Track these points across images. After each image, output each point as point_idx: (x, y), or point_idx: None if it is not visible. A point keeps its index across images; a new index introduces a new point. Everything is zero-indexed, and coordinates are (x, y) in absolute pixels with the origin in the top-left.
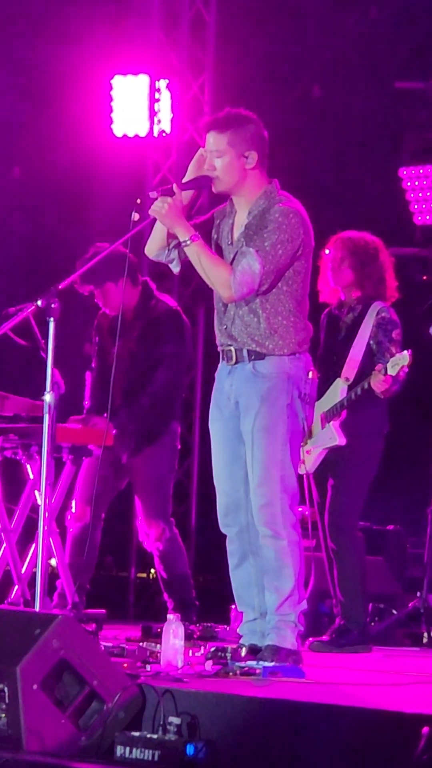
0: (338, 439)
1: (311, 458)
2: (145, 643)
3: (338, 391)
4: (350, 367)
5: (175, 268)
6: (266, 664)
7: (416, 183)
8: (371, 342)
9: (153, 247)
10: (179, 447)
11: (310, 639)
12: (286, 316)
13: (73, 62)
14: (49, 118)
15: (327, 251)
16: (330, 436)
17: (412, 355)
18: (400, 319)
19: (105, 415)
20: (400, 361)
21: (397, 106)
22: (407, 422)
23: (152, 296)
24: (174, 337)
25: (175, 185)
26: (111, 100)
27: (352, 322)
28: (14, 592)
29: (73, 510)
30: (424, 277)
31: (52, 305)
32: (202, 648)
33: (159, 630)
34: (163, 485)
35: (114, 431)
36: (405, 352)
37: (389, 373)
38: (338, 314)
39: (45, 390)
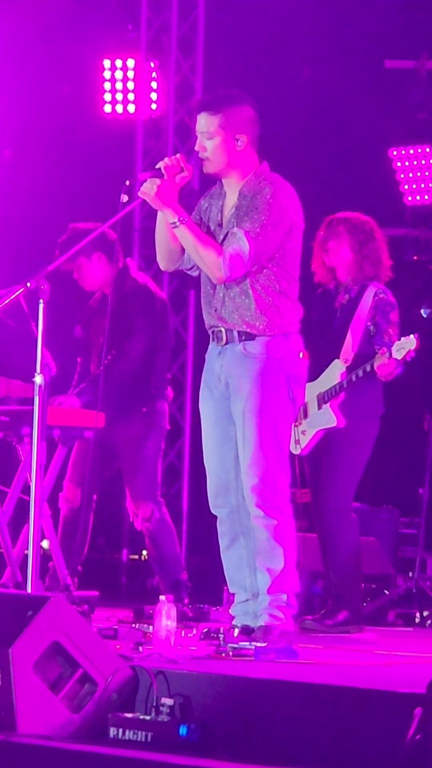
0: (336, 421)
1: (306, 438)
2: (137, 625)
3: (336, 372)
4: (348, 349)
5: (195, 272)
6: (259, 644)
7: (406, 163)
8: (369, 324)
9: (162, 260)
10: (168, 427)
11: (302, 617)
12: (276, 296)
13: (63, 43)
14: (40, 99)
15: (322, 232)
16: (327, 418)
17: (418, 338)
18: None
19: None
20: (406, 345)
21: (387, 86)
22: (400, 403)
23: (128, 276)
24: (140, 313)
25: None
26: (101, 81)
27: (347, 303)
28: (6, 574)
29: (64, 492)
30: (415, 258)
31: (42, 287)
32: (195, 629)
33: (151, 611)
34: (150, 465)
35: (78, 406)
36: (411, 336)
37: (394, 356)
38: (332, 294)
39: (35, 372)
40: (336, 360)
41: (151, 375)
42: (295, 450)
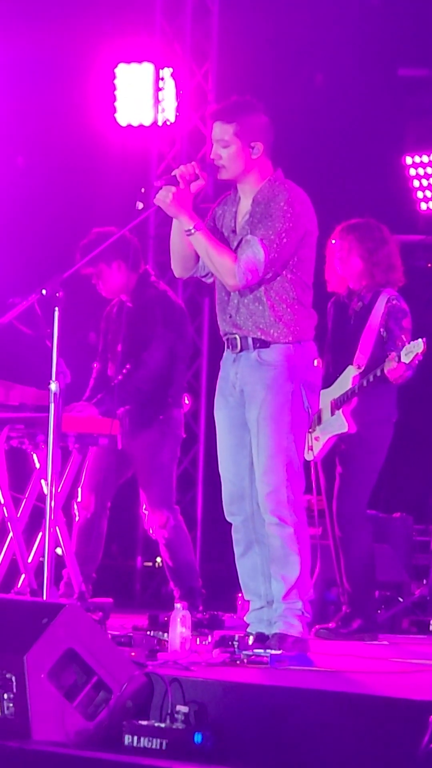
0: (348, 427)
1: (319, 444)
2: (152, 632)
3: (349, 378)
4: (361, 355)
5: (209, 279)
6: (274, 652)
7: (420, 170)
8: (381, 330)
9: (177, 267)
10: (183, 435)
11: (316, 626)
12: (291, 303)
13: (76, 51)
14: (53, 106)
15: (333, 241)
16: (340, 424)
17: (426, 343)
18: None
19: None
20: (414, 348)
21: (401, 94)
22: (413, 410)
23: (147, 283)
24: (160, 321)
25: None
26: (114, 89)
27: (361, 310)
28: (21, 582)
29: (79, 499)
30: (429, 265)
31: (57, 294)
32: (210, 636)
33: (166, 619)
34: (165, 473)
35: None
36: (420, 340)
37: (403, 360)
38: (346, 302)
39: (50, 379)
40: (350, 366)
41: (170, 384)
42: (308, 456)
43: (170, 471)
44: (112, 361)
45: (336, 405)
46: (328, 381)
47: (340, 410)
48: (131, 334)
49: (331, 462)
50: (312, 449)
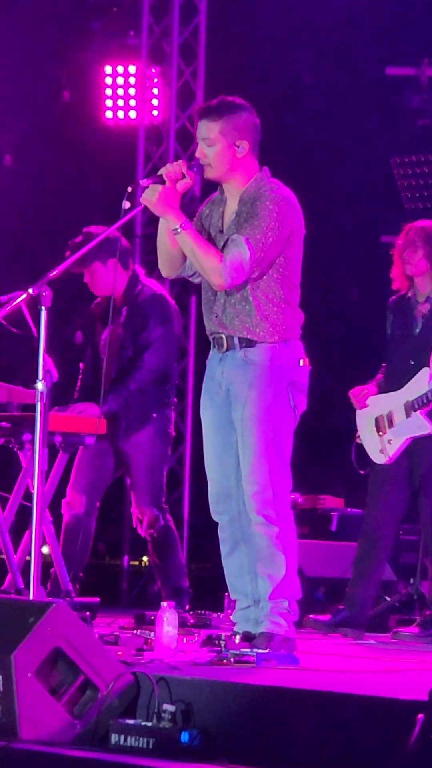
0: (430, 428)
1: (394, 447)
2: (138, 631)
3: (425, 380)
4: None
5: (197, 279)
6: (260, 651)
7: (408, 170)
8: None
9: (164, 267)
10: (173, 434)
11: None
12: (277, 303)
13: (64, 49)
14: (41, 105)
15: (400, 241)
16: (419, 425)
17: None
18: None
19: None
20: None
21: (388, 93)
22: None
23: (138, 282)
24: (159, 321)
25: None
26: (103, 87)
27: (430, 312)
28: (7, 581)
29: (67, 499)
30: None
31: (44, 294)
32: (196, 635)
33: (152, 618)
34: (156, 472)
35: (101, 417)
36: None
37: None
38: (411, 303)
39: (37, 378)
40: (425, 368)
41: (167, 382)
42: (380, 459)
43: (161, 470)
44: (110, 362)
45: (412, 407)
46: (397, 381)
47: (418, 412)
48: (129, 334)
49: (408, 471)
50: (385, 452)
